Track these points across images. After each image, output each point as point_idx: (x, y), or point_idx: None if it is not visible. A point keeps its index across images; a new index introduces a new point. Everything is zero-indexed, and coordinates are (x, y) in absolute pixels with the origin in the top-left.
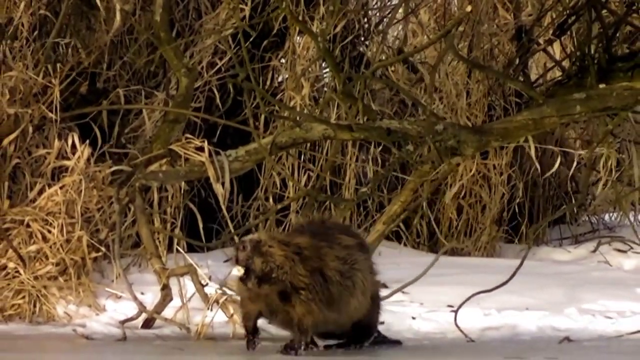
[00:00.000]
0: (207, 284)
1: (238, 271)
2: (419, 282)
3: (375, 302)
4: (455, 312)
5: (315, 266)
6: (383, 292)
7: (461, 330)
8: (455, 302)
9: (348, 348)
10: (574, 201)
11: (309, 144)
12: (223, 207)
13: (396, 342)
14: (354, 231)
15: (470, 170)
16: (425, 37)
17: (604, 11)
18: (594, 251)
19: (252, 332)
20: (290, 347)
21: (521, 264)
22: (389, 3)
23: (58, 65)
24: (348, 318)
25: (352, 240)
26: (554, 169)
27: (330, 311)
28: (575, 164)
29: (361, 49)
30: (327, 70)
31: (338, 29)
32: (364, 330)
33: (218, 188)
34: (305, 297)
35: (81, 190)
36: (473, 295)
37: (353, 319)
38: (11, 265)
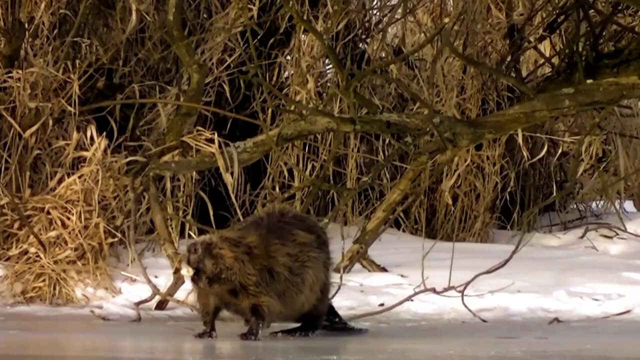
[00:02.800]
0: None
1: (187, 272)
2: (417, 266)
3: (324, 294)
4: (462, 292)
5: (264, 264)
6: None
7: (469, 310)
8: (452, 285)
9: (294, 335)
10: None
11: (313, 136)
12: (232, 195)
13: (362, 331)
14: (313, 224)
15: (466, 161)
16: (423, 35)
17: (591, 11)
18: (582, 237)
19: (210, 327)
20: (249, 333)
21: (517, 247)
22: (388, 3)
23: (77, 61)
24: (295, 312)
25: (309, 236)
26: (541, 155)
27: (279, 302)
28: (561, 153)
29: (362, 46)
30: (331, 66)
31: (340, 27)
32: (311, 320)
33: (227, 177)
34: (252, 292)
35: (98, 180)
36: (476, 276)
37: (301, 313)
38: (32, 250)
